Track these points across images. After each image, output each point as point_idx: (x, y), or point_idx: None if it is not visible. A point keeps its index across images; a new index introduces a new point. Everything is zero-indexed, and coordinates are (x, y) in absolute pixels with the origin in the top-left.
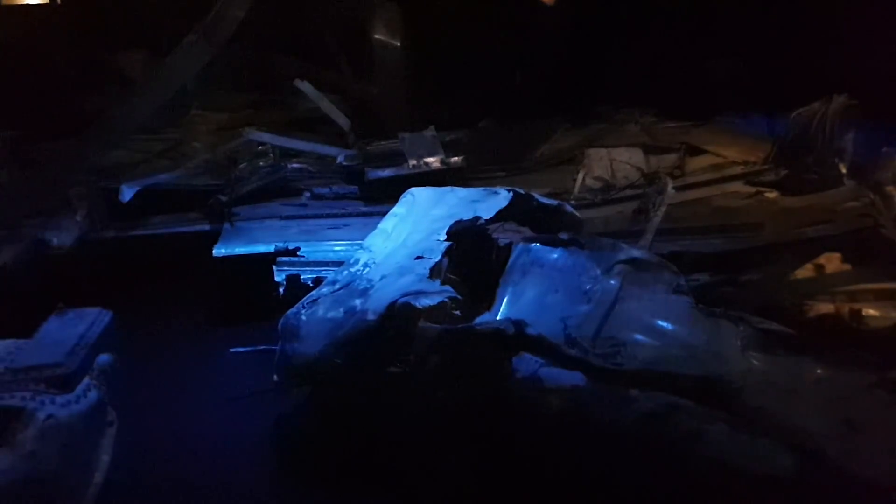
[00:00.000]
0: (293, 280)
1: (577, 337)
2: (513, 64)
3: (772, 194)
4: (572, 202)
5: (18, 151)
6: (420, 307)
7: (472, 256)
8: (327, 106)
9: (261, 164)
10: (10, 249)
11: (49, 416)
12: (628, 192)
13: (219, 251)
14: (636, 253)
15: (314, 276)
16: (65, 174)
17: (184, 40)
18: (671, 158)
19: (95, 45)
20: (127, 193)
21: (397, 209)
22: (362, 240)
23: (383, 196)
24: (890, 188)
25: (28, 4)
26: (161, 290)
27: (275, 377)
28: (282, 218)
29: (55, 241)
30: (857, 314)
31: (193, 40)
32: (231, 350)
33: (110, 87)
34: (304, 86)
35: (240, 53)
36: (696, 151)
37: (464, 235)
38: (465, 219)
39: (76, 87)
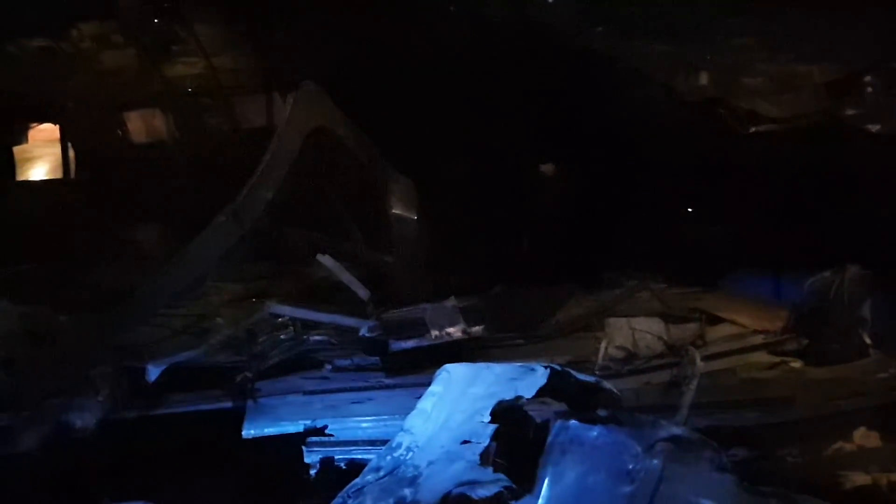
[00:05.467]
0: (327, 462)
1: None
2: (519, 230)
3: (796, 364)
4: (597, 372)
5: (33, 326)
6: (476, 499)
7: (507, 433)
8: (348, 278)
9: (281, 336)
10: (33, 434)
11: None
12: (654, 362)
13: (248, 432)
14: (677, 430)
15: (346, 457)
16: (89, 353)
17: (213, 220)
18: (692, 328)
19: (110, 219)
20: (153, 373)
21: (434, 387)
22: (388, 414)
23: (406, 367)
24: None
25: (44, 180)
26: (187, 472)
27: None
28: (304, 393)
29: (78, 423)
30: (894, 486)
31: (223, 220)
32: None
33: (125, 262)
34: (326, 260)
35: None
36: (713, 320)
37: (503, 414)
38: (506, 399)
39: (91, 260)
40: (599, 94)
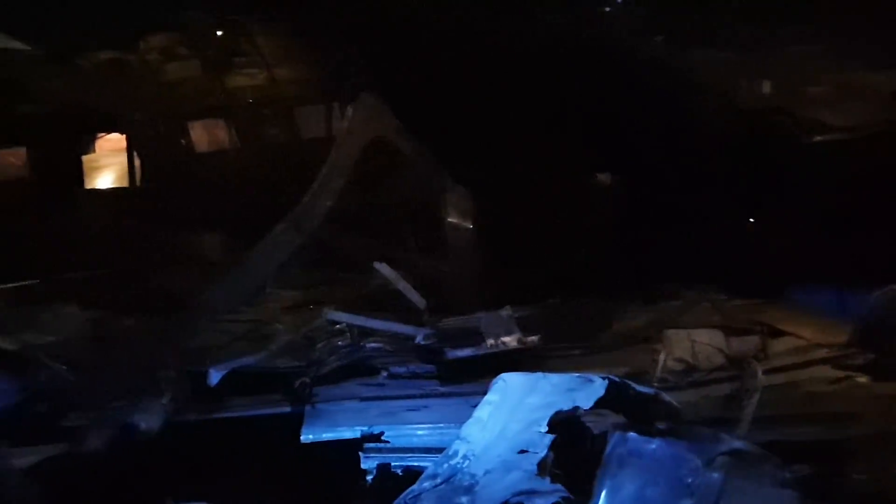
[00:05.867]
0: (384, 469)
1: None
2: (577, 240)
3: (862, 379)
4: (655, 384)
5: (100, 331)
6: None
7: (565, 444)
8: (404, 286)
9: (339, 343)
10: (99, 434)
11: None
12: (714, 375)
13: (306, 437)
14: (737, 444)
15: (402, 464)
16: (154, 356)
17: (274, 229)
18: (753, 340)
19: (174, 226)
20: (215, 377)
21: (490, 396)
22: (443, 422)
23: (461, 376)
24: None
25: (111, 188)
26: (246, 475)
27: None
28: (361, 399)
29: (143, 425)
30: None
31: (283, 229)
32: None
33: (188, 268)
34: (383, 268)
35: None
36: (776, 332)
37: (561, 425)
38: (564, 409)
39: (155, 267)
40: (659, 103)
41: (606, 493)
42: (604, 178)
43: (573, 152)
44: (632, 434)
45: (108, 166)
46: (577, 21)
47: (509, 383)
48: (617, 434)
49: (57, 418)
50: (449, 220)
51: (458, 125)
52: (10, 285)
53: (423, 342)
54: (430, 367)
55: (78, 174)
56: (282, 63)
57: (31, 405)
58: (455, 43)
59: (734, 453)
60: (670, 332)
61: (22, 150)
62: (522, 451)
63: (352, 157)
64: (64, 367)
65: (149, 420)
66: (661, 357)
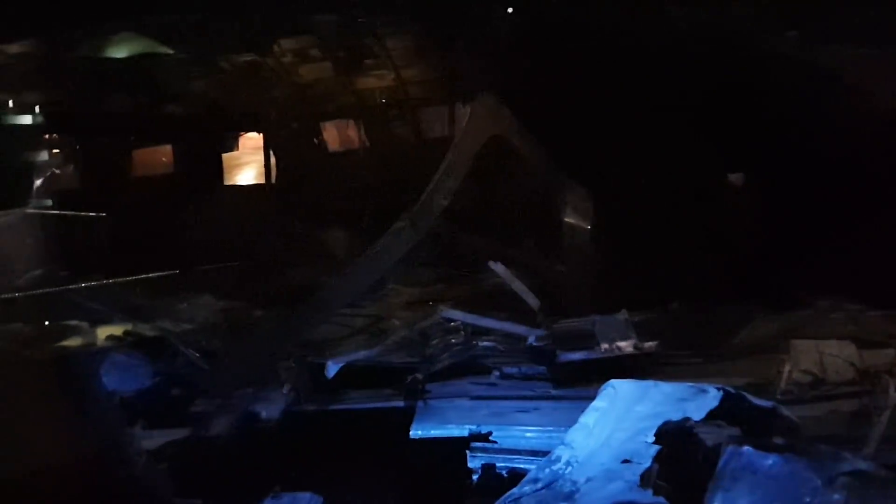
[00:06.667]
0: (489, 469)
1: None
2: (702, 243)
3: None
4: (778, 396)
5: (232, 320)
6: None
7: (673, 456)
8: (519, 286)
9: (452, 340)
10: (223, 420)
11: None
12: (842, 389)
13: (416, 433)
14: (863, 464)
15: (508, 465)
16: (278, 347)
17: (393, 226)
18: (888, 354)
19: (303, 222)
20: (332, 369)
21: (598, 403)
22: (553, 426)
23: (574, 379)
24: None
25: (249, 184)
26: (355, 467)
27: None
28: (471, 398)
29: (263, 413)
30: None
31: (402, 226)
32: None
33: (313, 262)
34: (498, 267)
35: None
36: None
37: (670, 435)
38: (673, 419)
39: (285, 260)
40: (792, 102)
41: None
42: (735, 178)
43: (701, 152)
44: (747, 448)
45: (248, 164)
46: (705, 16)
47: (618, 390)
48: (731, 447)
49: (187, 403)
50: (566, 220)
51: (579, 123)
52: (152, 275)
53: (535, 343)
54: (541, 369)
55: (218, 171)
56: (409, 65)
57: (166, 389)
58: (576, 41)
59: (858, 474)
60: (797, 343)
61: (168, 148)
62: (626, 461)
63: (469, 156)
64: (197, 355)
65: (269, 409)
66: (787, 368)
